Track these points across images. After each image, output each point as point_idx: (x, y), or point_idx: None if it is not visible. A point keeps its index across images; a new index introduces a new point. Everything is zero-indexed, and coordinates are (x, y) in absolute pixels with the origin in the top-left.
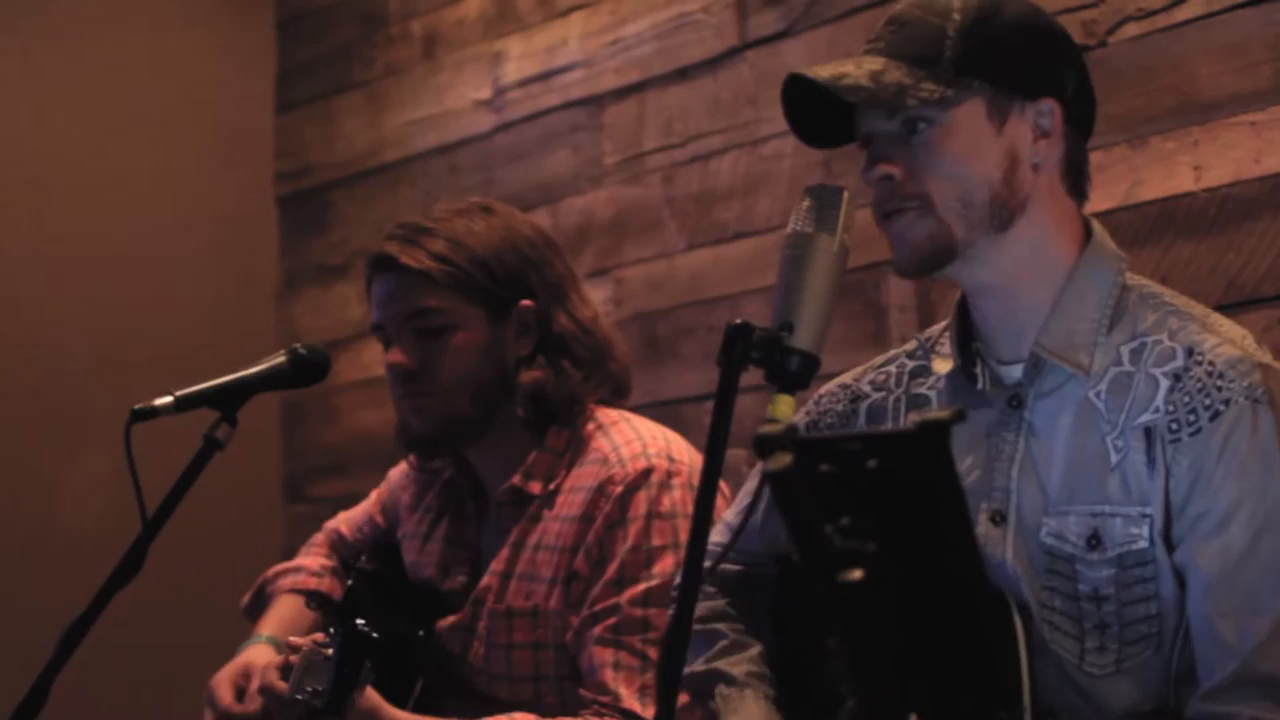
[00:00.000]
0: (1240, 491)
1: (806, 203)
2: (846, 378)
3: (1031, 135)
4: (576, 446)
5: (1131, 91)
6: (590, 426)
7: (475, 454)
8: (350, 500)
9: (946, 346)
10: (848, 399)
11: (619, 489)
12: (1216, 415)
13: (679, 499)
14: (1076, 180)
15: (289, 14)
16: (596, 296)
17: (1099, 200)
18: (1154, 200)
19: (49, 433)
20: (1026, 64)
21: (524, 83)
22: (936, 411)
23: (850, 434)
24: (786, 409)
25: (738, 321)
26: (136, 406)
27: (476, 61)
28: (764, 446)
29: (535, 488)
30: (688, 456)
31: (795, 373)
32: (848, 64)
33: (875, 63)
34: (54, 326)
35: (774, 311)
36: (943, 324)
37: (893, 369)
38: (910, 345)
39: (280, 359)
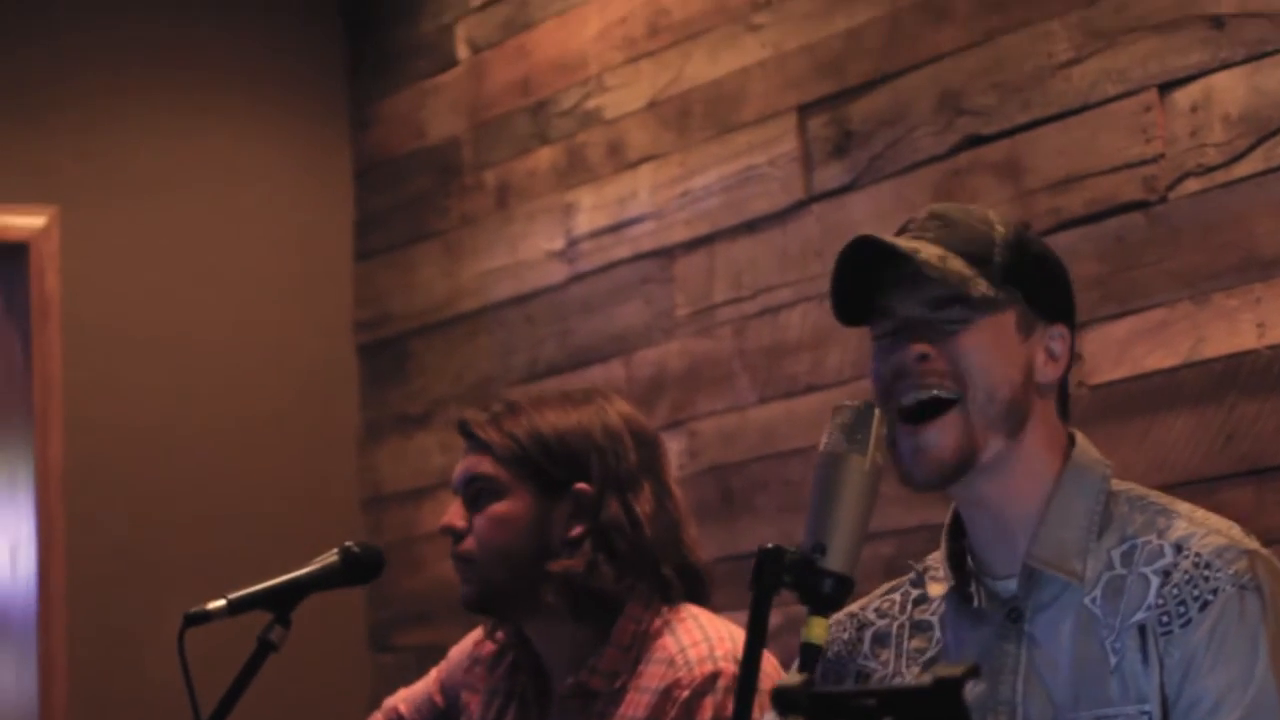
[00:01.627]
0: (1229, 678)
1: (837, 420)
2: (854, 606)
3: (1043, 356)
4: (643, 643)
5: (1193, 248)
6: (658, 623)
7: (536, 635)
8: (434, 650)
9: (940, 572)
10: (854, 627)
11: (685, 693)
12: (1205, 605)
13: (721, 703)
14: (1064, 404)
15: (366, 163)
16: (670, 450)
17: (1163, 357)
18: (1217, 357)
19: (137, 589)
20: (1052, 289)
21: (596, 234)
22: (950, 667)
23: (866, 690)
24: (820, 631)
25: (769, 546)
26: (189, 611)
27: (549, 212)
28: (781, 701)
29: (600, 684)
30: (736, 658)
31: (829, 595)
32: (912, 241)
33: (936, 247)
34: (140, 478)
35: (806, 532)
36: (936, 552)
37: (896, 597)
38: (911, 575)
39: (333, 558)
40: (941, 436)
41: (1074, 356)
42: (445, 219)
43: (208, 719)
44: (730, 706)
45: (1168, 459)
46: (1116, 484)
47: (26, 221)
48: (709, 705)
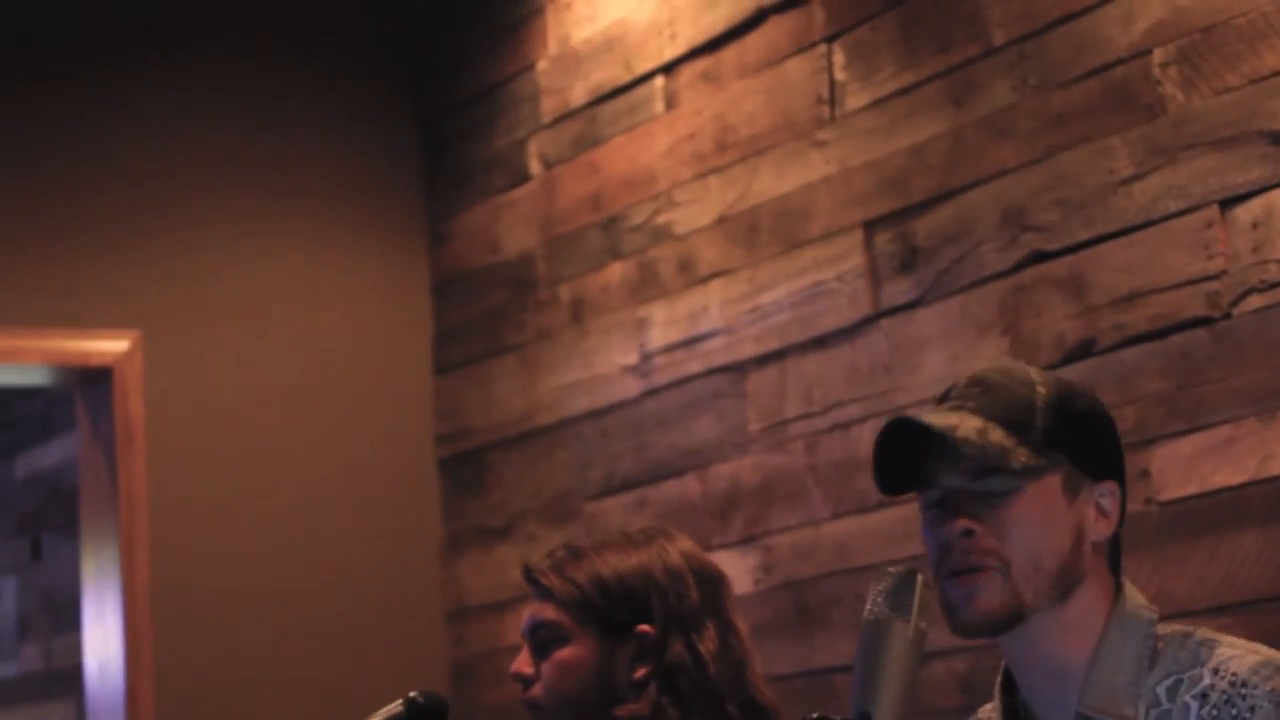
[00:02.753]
0: None
1: (881, 586)
2: None
3: (1094, 514)
4: None
5: (1257, 364)
6: None
7: None
8: None
9: None
10: None
11: None
12: None
13: None
14: (1116, 558)
15: (444, 277)
16: (745, 565)
17: (1230, 474)
18: None
19: (224, 709)
20: (1098, 447)
21: (669, 349)
22: None
23: None
24: None
25: (815, 716)
26: None
27: (622, 327)
28: None
29: None
30: None
31: None
32: (951, 416)
33: (975, 420)
34: (225, 597)
35: (851, 699)
36: (990, 705)
37: None
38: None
39: (398, 708)
40: (984, 591)
41: (1124, 512)
42: (521, 333)
43: None
44: None
45: (1237, 576)
46: (1163, 627)
47: (110, 346)
48: None
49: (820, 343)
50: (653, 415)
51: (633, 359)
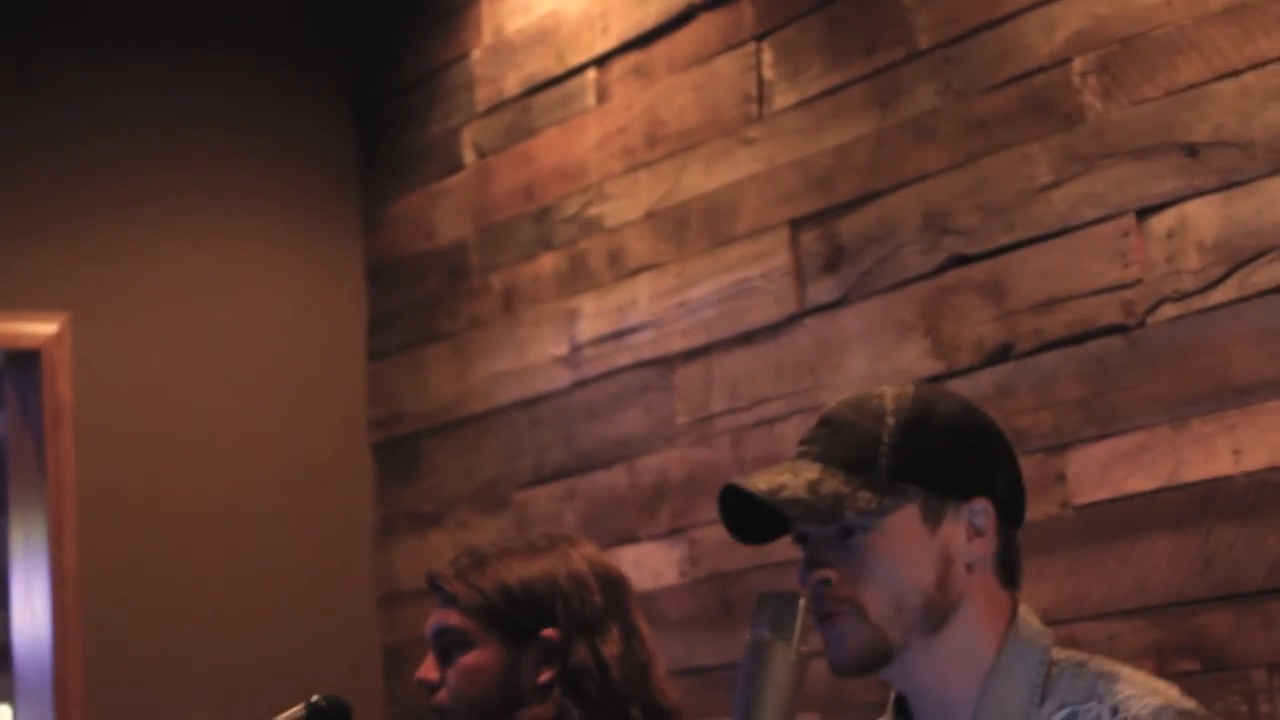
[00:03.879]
0: None
1: (763, 608)
2: None
3: (965, 535)
4: None
5: (1170, 373)
6: None
7: None
8: None
9: None
10: None
11: None
12: None
13: None
14: (1009, 571)
15: (379, 263)
16: (672, 557)
17: (1143, 480)
18: (1196, 482)
19: (153, 691)
20: (959, 467)
21: (598, 340)
22: None
23: None
24: None
25: None
26: None
27: (553, 318)
28: None
29: None
30: None
31: None
32: (785, 473)
33: (811, 470)
34: (155, 580)
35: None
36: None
37: None
38: None
39: (300, 712)
40: (848, 637)
41: (1016, 520)
42: (454, 321)
43: None
44: None
45: (1148, 581)
46: (1058, 652)
47: (39, 329)
48: None
49: (746, 339)
50: (582, 406)
51: (563, 350)
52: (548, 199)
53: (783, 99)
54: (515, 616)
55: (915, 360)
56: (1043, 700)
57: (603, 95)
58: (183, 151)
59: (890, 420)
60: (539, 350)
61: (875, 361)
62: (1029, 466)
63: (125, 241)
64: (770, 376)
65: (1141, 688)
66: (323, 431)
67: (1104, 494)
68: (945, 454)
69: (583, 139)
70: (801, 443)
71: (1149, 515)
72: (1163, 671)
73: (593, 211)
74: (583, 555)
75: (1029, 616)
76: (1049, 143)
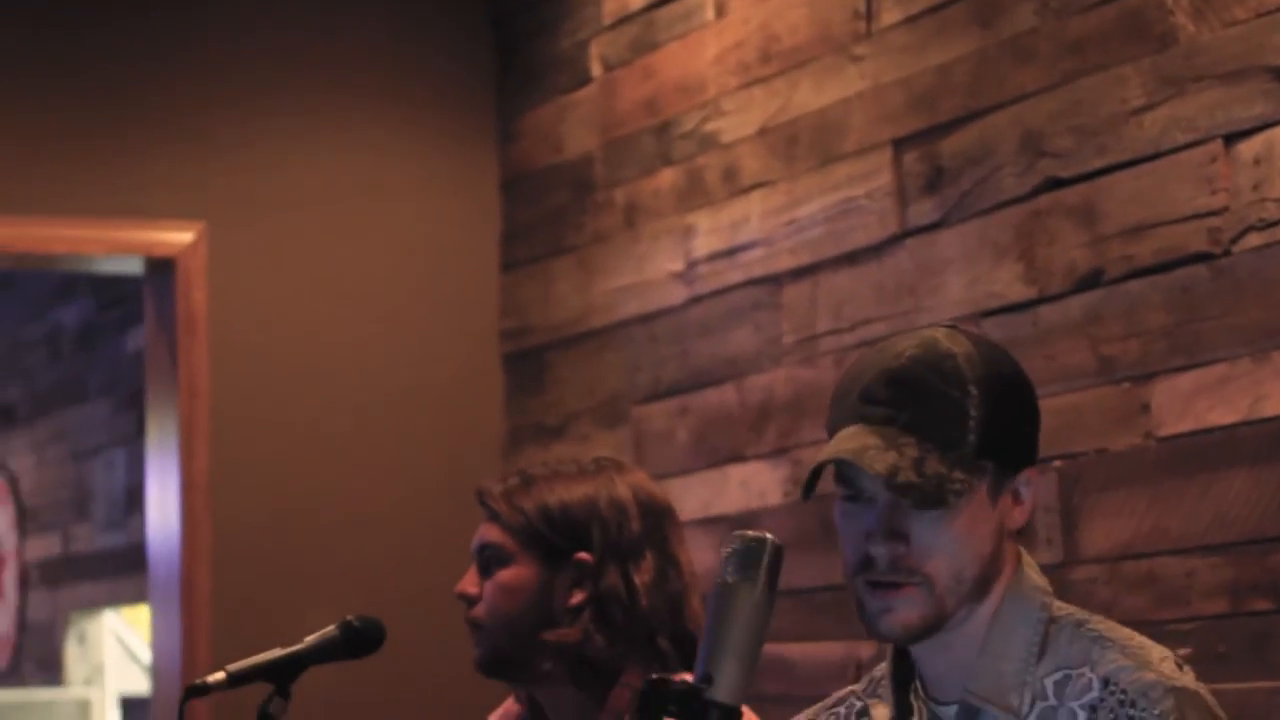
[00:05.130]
0: None
1: (730, 550)
2: (803, 717)
3: (1010, 504)
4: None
5: (1254, 303)
6: None
7: (544, 699)
8: None
9: (886, 690)
10: None
11: None
12: None
13: None
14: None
15: (512, 176)
16: (776, 477)
17: (1224, 413)
18: (1277, 416)
19: (280, 596)
20: (1023, 441)
21: (712, 257)
22: None
23: None
24: None
25: (654, 677)
26: (191, 683)
27: (671, 233)
28: None
29: None
30: None
31: None
32: (889, 450)
33: (911, 446)
34: (284, 487)
35: (698, 662)
36: (885, 664)
37: (842, 710)
38: (862, 684)
39: (332, 631)
40: (905, 607)
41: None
42: (580, 235)
43: None
44: None
45: (1227, 515)
46: (1057, 609)
47: (174, 237)
48: None
49: (851, 259)
50: (696, 323)
51: (679, 266)
52: (668, 114)
53: (890, 15)
54: (552, 537)
55: (1009, 285)
56: (1040, 658)
57: (721, 10)
58: (320, 61)
59: (974, 390)
60: (657, 266)
61: (971, 285)
62: (1115, 396)
63: (261, 151)
64: (872, 297)
65: (1134, 658)
66: (455, 342)
67: (1186, 426)
68: (1016, 428)
69: (701, 54)
70: (878, 401)
71: (1229, 449)
72: (1237, 610)
73: (709, 127)
74: (628, 482)
75: (1030, 569)
76: (1141, 65)
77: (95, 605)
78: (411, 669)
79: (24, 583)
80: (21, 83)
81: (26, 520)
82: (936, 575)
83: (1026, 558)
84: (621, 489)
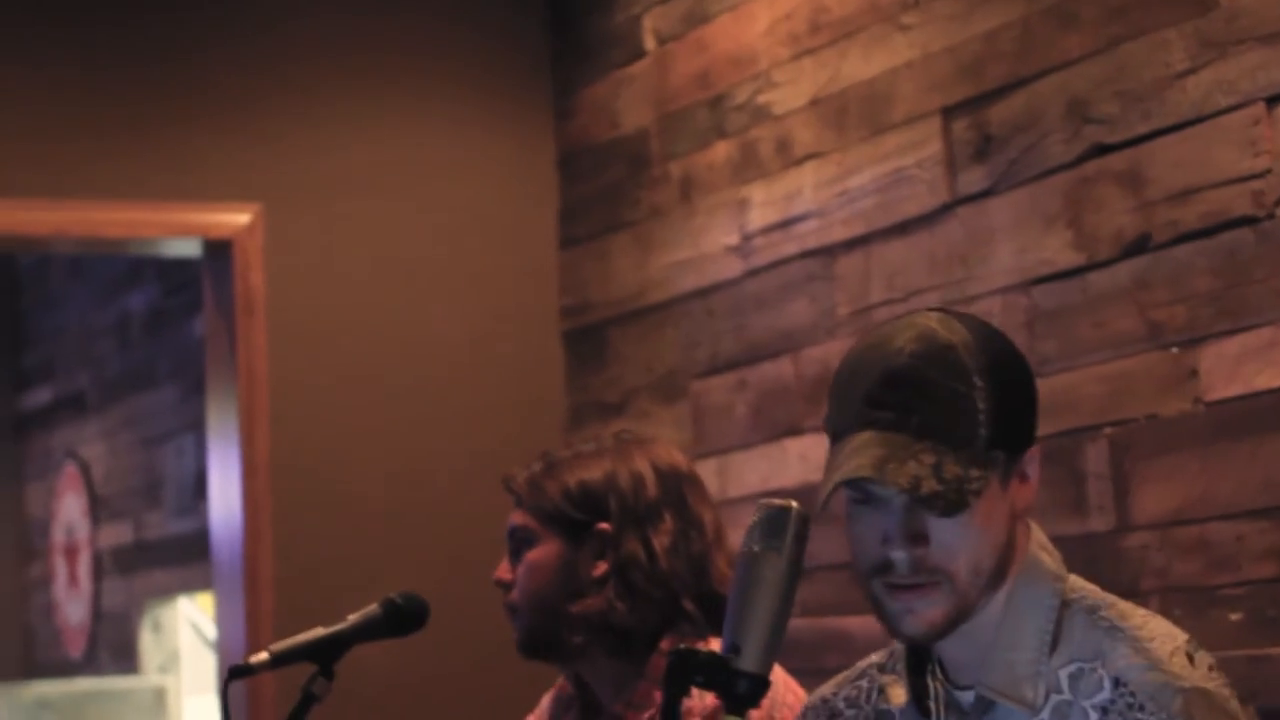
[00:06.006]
0: None
1: (757, 518)
2: (828, 689)
3: (1019, 484)
4: None
5: None
6: None
7: (586, 673)
8: None
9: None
10: (826, 715)
11: None
12: None
13: None
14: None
15: (569, 151)
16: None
17: (1272, 377)
18: None
19: (348, 573)
20: (1028, 422)
21: (767, 230)
22: None
23: None
24: None
25: (681, 647)
26: (234, 665)
27: (726, 206)
28: None
29: (632, 717)
30: (770, 689)
31: (743, 695)
32: (906, 460)
33: (927, 452)
34: (345, 469)
35: (724, 631)
36: (873, 661)
37: (864, 684)
38: (881, 656)
39: (375, 609)
40: (930, 608)
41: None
42: (636, 210)
43: None
44: None
45: (1276, 479)
46: (1069, 591)
47: (231, 219)
48: None
49: (902, 229)
50: (753, 296)
51: (735, 239)
52: (721, 86)
53: None
54: (572, 512)
55: (1058, 252)
56: (1053, 648)
57: None
58: (376, 42)
59: (979, 382)
60: (713, 239)
61: (1021, 253)
62: (1164, 362)
63: (318, 132)
64: (924, 267)
65: (1145, 655)
66: (515, 321)
67: (1234, 390)
68: (1022, 412)
69: (752, 26)
70: (885, 405)
71: (1277, 413)
72: None
73: (762, 99)
74: (647, 453)
75: (1041, 551)
76: (1184, 28)
77: (168, 592)
78: (477, 651)
79: (98, 571)
80: (80, 69)
81: (99, 508)
82: (958, 572)
83: (1037, 536)
84: (639, 460)
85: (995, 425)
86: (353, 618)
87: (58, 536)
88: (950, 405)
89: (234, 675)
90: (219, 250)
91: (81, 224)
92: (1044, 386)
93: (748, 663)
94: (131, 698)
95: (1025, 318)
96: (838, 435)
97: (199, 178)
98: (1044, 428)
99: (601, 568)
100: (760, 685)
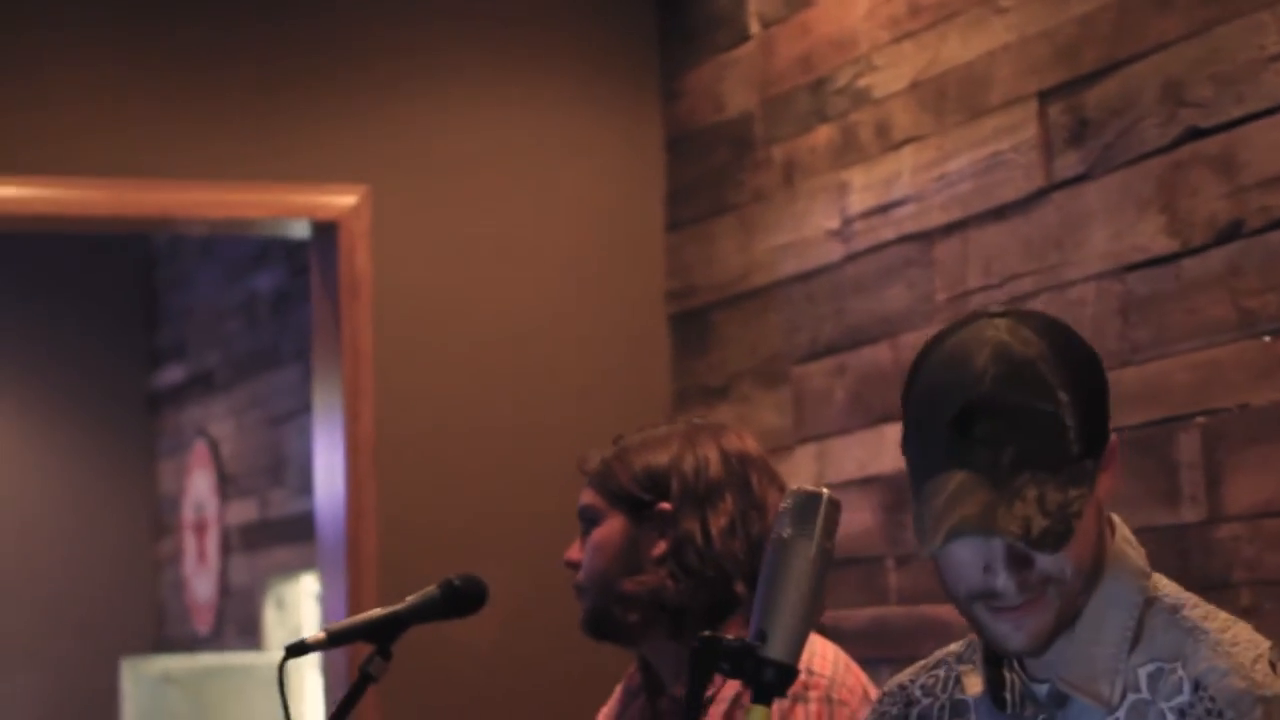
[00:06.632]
0: None
1: (786, 505)
2: (906, 676)
3: (1102, 477)
4: None
5: None
6: None
7: (650, 655)
8: None
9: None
10: (903, 703)
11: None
12: None
13: (815, 713)
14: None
15: (676, 134)
16: None
17: None
18: None
19: (453, 554)
20: (1106, 422)
21: (866, 214)
22: None
23: None
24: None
25: (706, 634)
26: (290, 643)
27: (827, 191)
28: None
29: None
30: (831, 669)
31: (770, 684)
32: (1012, 501)
33: (1027, 485)
34: (449, 450)
35: (752, 618)
36: (952, 651)
37: (941, 673)
38: (960, 645)
39: (433, 590)
40: (1038, 621)
41: None
42: (740, 193)
43: None
44: (798, 714)
45: None
46: (1153, 588)
47: (338, 200)
48: (774, 711)
49: (998, 213)
50: (852, 281)
51: (835, 223)
52: (823, 70)
53: None
54: (635, 492)
55: (1151, 238)
56: (1134, 646)
57: None
58: (483, 24)
59: (1064, 397)
60: (814, 224)
61: (1115, 239)
62: (1256, 350)
63: (424, 114)
64: (1020, 252)
65: (1227, 659)
66: (621, 304)
67: None
68: (1103, 415)
69: (853, 9)
70: (976, 440)
71: None
72: None
73: (862, 83)
74: (718, 438)
75: (1126, 545)
76: (1278, 11)
77: (291, 570)
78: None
79: (225, 548)
80: (193, 53)
81: (227, 486)
82: (1064, 577)
83: (1122, 530)
84: (707, 444)
85: (1084, 436)
86: (411, 598)
87: (188, 513)
88: (1041, 429)
89: (290, 654)
90: (326, 231)
91: (192, 205)
92: (1136, 375)
93: (775, 650)
94: (254, 673)
95: (1119, 304)
96: (926, 469)
97: (307, 159)
98: (1135, 416)
99: (661, 547)
100: (787, 674)
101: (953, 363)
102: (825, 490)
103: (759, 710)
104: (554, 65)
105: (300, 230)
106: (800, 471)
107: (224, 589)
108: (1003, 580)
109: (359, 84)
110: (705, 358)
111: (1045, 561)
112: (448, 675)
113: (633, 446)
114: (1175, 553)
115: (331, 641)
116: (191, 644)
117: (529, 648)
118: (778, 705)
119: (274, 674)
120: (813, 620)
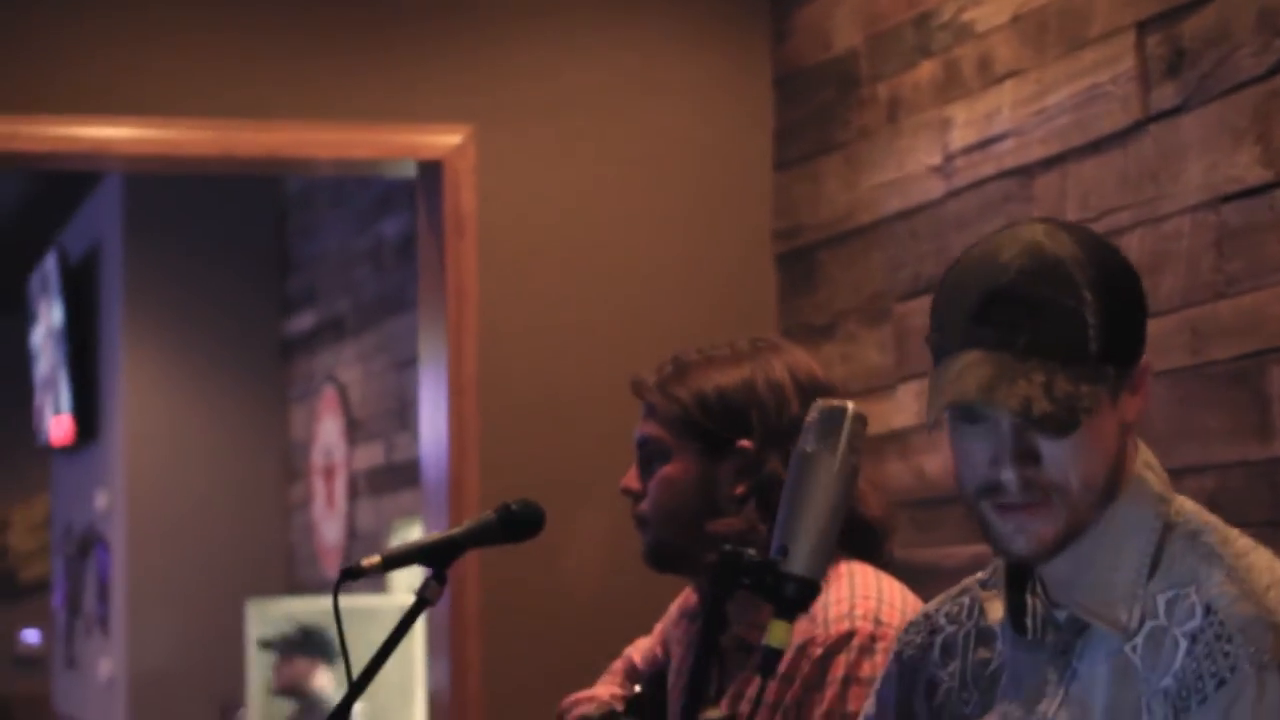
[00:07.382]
0: None
1: (811, 419)
2: (932, 605)
3: (1129, 396)
4: None
5: None
6: None
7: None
8: None
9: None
10: (927, 630)
11: (819, 651)
12: (1222, 684)
13: (881, 664)
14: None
15: (784, 72)
16: None
17: None
18: None
19: (555, 494)
20: (1136, 335)
21: (967, 150)
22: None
23: None
24: (781, 635)
25: (728, 548)
26: (345, 566)
27: (929, 127)
28: None
29: (756, 637)
30: (899, 619)
31: (791, 599)
32: (1016, 380)
33: (1035, 370)
34: (553, 388)
35: (775, 533)
36: (976, 579)
37: (966, 600)
38: (986, 573)
39: (490, 516)
40: (1041, 526)
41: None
42: (846, 131)
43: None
44: (864, 666)
45: None
46: (1175, 513)
47: (443, 140)
48: (841, 664)
49: (1096, 147)
50: (953, 217)
51: (937, 159)
52: (927, 4)
53: None
54: (711, 427)
55: (1247, 168)
56: (1153, 572)
57: None
58: None
59: (1089, 296)
60: (917, 160)
61: (1210, 170)
62: None
63: (530, 53)
64: (1116, 186)
65: (1240, 585)
66: (728, 243)
67: None
68: (1132, 324)
69: None
70: (991, 323)
71: None
72: None
73: (965, 17)
74: (785, 362)
75: (1147, 471)
76: None
77: (415, 513)
78: None
79: (353, 492)
80: None
81: (355, 430)
82: (1070, 487)
83: (1145, 454)
84: (779, 369)
85: (1105, 339)
86: (468, 522)
87: (317, 458)
88: (1059, 321)
89: (345, 577)
90: (431, 171)
91: (297, 145)
92: (1231, 307)
93: (796, 565)
94: (378, 616)
95: (1214, 236)
96: (942, 353)
97: (412, 99)
98: (1229, 349)
99: (741, 487)
100: (809, 589)
101: (982, 257)
102: (850, 404)
103: (780, 625)
104: (663, 5)
105: (406, 170)
106: (903, 410)
107: (351, 532)
108: (1006, 473)
109: (464, 23)
110: (811, 296)
111: (1052, 466)
112: (549, 616)
113: (694, 366)
114: (1268, 485)
115: (386, 565)
116: (320, 587)
117: (632, 586)
118: (844, 659)
119: (397, 616)
120: (836, 535)
